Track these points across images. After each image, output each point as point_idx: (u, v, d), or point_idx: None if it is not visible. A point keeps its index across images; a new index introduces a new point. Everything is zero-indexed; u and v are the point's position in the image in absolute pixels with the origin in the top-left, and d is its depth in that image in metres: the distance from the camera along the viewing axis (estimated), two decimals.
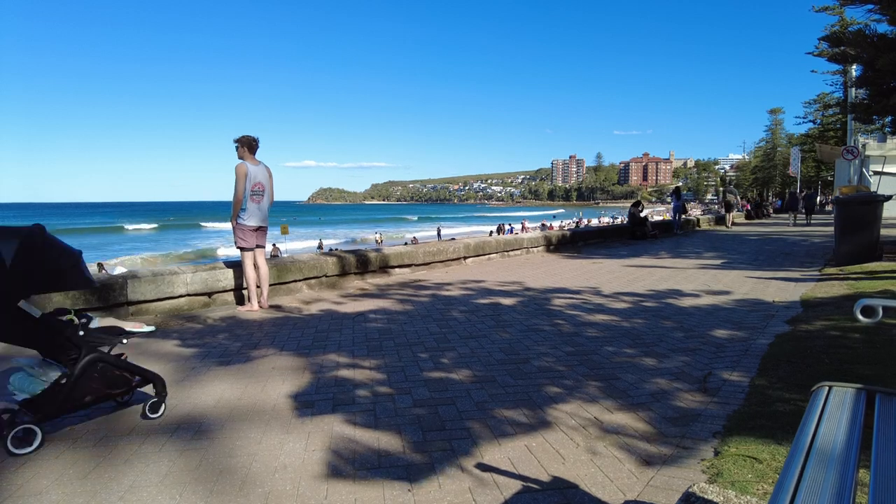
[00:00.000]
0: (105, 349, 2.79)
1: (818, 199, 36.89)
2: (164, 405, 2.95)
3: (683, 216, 19.19)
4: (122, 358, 2.91)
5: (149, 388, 2.96)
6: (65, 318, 2.71)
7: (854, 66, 15.48)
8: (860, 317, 1.41)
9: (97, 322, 2.83)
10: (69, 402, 2.65)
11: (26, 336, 2.64)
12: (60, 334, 2.65)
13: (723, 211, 23.51)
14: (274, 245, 22.89)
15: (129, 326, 2.95)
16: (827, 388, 1.40)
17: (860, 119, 16.82)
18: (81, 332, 2.69)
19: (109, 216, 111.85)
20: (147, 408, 2.91)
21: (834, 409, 1.27)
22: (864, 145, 21.78)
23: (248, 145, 5.68)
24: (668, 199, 22.48)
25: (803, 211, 23.16)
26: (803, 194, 26.12)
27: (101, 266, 17.73)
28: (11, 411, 2.60)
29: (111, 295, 5.11)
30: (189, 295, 5.67)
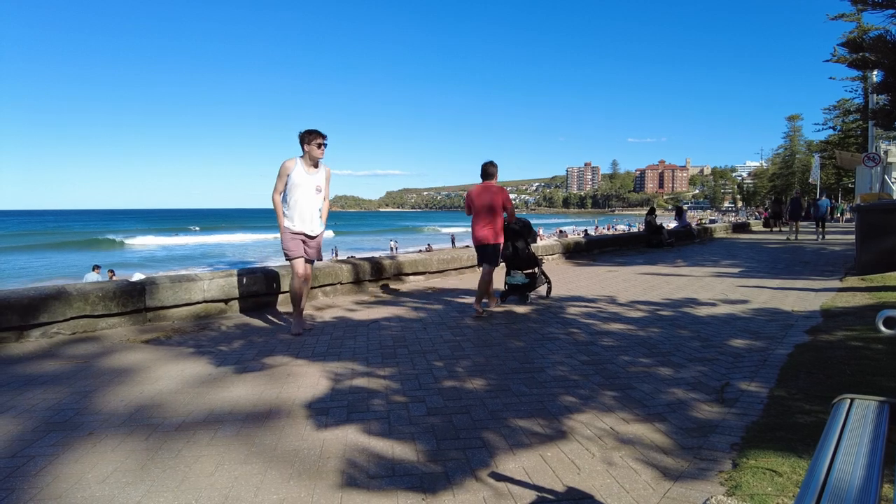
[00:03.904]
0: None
1: (829, 206, 32.96)
2: (550, 293, 6.93)
3: (698, 225, 19.61)
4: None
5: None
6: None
7: (875, 72, 15.29)
8: (882, 328, 1.39)
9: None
10: (534, 288, 6.62)
11: (525, 262, 6.54)
12: (535, 259, 6.60)
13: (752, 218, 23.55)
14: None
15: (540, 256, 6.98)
16: (849, 400, 1.37)
17: (881, 125, 16.56)
18: (537, 259, 6.66)
19: (123, 223, 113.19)
20: (546, 293, 6.87)
21: (856, 422, 1.24)
22: (885, 152, 21.26)
23: None
24: (676, 206, 22.15)
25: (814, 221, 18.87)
26: (814, 200, 22.20)
27: (111, 273, 17.68)
28: (518, 288, 6.55)
29: (130, 301, 5.19)
30: (206, 301, 5.73)
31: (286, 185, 4.92)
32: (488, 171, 6.11)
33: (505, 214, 6.07)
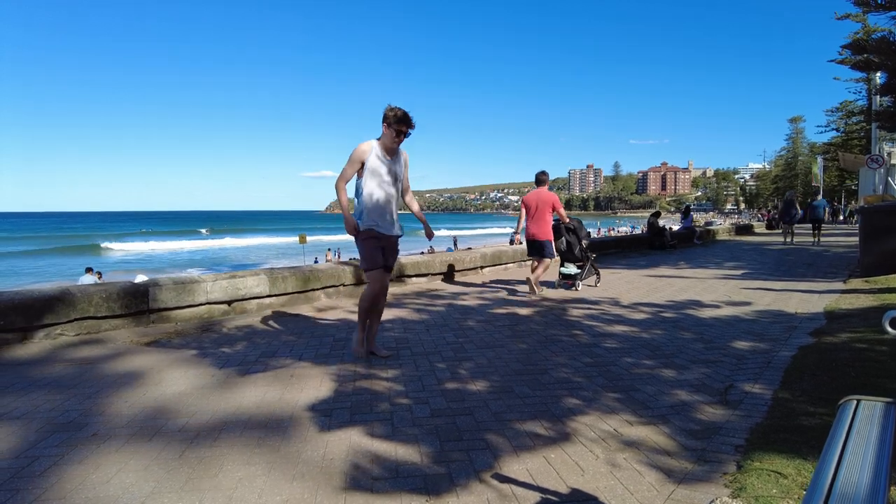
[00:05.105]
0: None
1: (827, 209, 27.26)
2: (599, 283, 8.04)
3: (701, 227, 19.25)
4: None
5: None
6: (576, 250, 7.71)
7: (878, 74, 15.25)
8: (889, 329, 1.38)
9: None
10: (584, 277, 7.77)
11: (577, 257, 7.76)
12: (585, 253, 7.71)
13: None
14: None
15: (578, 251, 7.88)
16: (855, 401, 1.36)
17: (884, 127, 16.53)
18: (587, 253, 7.77)
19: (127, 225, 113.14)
20: (596, 282, 7.99)
21: (862, 424, 1.24)
22: (889, 153, 21.17)
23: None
24: (683, 206, 21.69)
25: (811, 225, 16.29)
26: (811, 202, 19.29)
27: (99, 274, 17.27)
28: (571, 276, 7.75)
29: (133, 303, 5.20)
30: (209, 303, 5.74)
31: (359, 173, 4.07)
32: (541, 178, 7.44)
33: (556, 215, 7.38)
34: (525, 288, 7.59)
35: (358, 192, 4.13)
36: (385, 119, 3.99)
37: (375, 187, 4.05)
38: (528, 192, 7.79)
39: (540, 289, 7.25)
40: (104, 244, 52.67)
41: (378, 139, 4.08)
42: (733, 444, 2.63)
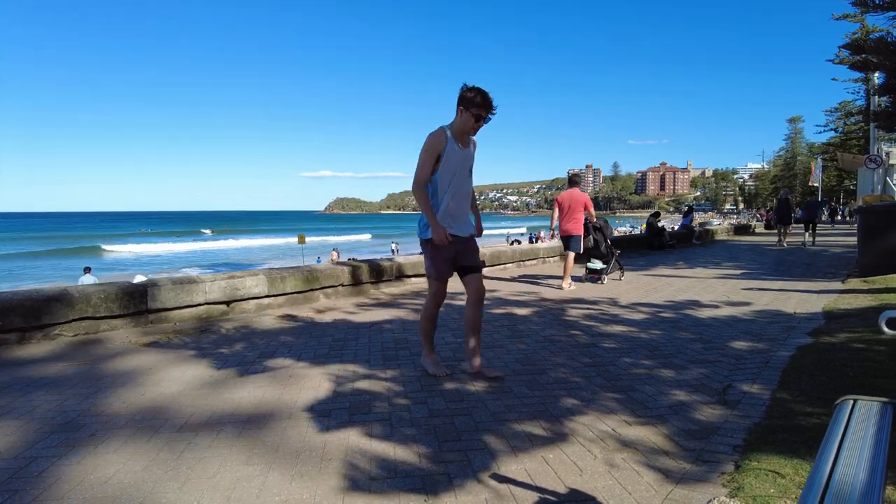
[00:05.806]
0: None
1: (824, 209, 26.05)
2: (622, 277, 8.84)
3: (699, 227, 19.31)
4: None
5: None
6: (602, 246, 8.48)
7: (876, 74, 15.26)
8: (885, 329, 1.38)
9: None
10: (609, 272, 8.57)
11: (603, 253, 8.45)
12: (611, 250, 8.53)
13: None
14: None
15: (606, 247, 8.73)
16: (852, 401, 1.37)
17: (883, 127, 16.53)
18: (612, 250, 8.58)
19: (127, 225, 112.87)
20: (620, 276, 8.79)
21: (859, 423, 1.24)
22: (887, 154, 21.14)
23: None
24: (683, 208, 21.63)
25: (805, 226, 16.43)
26: (808, 202, 19.14)
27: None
28: (597, 271, 8.49)
29: (132, 303, 5.19)
30: (208, 303, 5.73)
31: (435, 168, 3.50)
32: (574, 179, 8.25)
33: (586, 214, 8.01)
34: (555, 281, 8.39)
35: (432, 190, 3.56)
36: (463, 101, 3.43)
37: (452, 182, 3.52)
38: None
39: (568, 285, 7.84)
40: (104, 245, 52.54)
41: (448, 126, 3.52)
42: (731, 444, 2.63)
